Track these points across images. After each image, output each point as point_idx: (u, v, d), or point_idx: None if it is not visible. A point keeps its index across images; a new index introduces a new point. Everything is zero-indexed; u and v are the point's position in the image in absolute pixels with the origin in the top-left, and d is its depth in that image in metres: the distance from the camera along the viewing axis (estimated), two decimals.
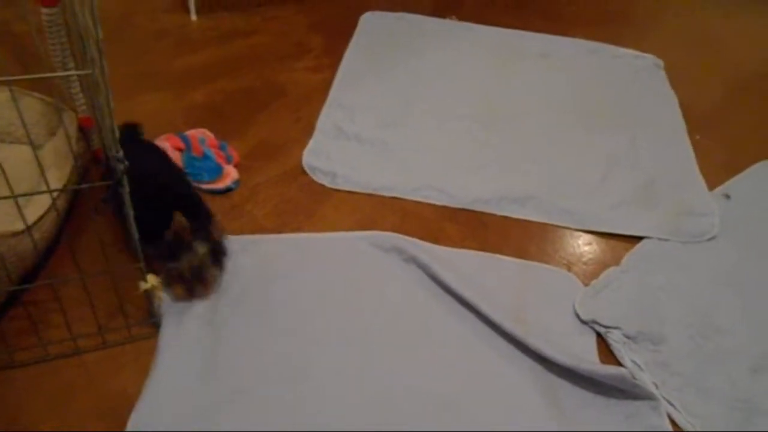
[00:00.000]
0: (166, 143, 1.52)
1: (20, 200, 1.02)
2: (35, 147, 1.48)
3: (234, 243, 1.37)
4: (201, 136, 1.59)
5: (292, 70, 1.97)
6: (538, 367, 1.23)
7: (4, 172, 0.95)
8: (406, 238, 1.44)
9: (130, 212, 1.03)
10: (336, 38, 2.12)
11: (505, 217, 1.55)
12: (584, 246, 1.51)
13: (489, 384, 1.20)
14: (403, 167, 1.63)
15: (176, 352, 1.16)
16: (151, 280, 1.14)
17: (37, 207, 1.27)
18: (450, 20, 2.26)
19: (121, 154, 0.95)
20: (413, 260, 1.39)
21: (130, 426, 1.05)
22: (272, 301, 1.28)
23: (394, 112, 1.81)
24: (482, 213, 1.55)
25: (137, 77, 1.87)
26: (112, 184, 0.96)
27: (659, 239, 1.53)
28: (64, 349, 1.16)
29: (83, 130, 1.48)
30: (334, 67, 1.98)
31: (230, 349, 1.18)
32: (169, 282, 1.21)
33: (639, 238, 1.53)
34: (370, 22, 2.21)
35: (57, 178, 1.36)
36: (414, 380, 1.18)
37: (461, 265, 1.41)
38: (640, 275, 1.45)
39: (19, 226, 1.20)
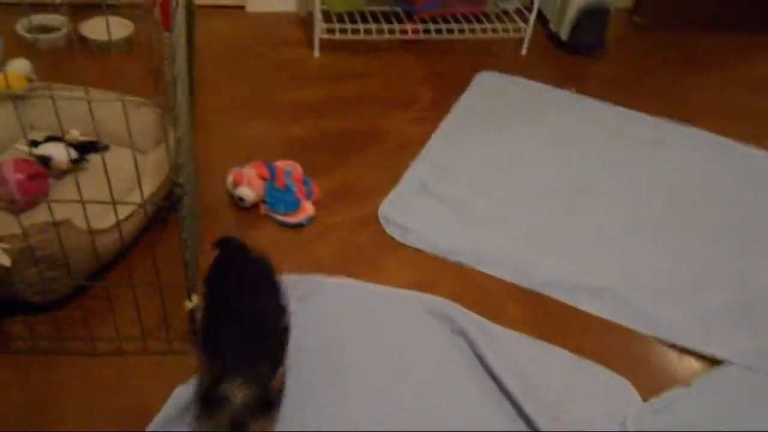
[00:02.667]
0: (253, 170, 1.58)
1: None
2: (140, 152, 1.61)
3: (289, 279, 1.40)
4: (289, 168, 1.65)
5: (396, 118, 1.99)
6: None
7: (107, 174, 1.03)
8: (461, 308, 1.40)
9: (186, 237, 1.08)
10: (447, 93, 2.13)
11: (573, 307, 1.46)
12: (652, 355, 1.38)
13: None
14: (478, 235, 1.59)
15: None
16: (195, 300, 1.18)
17: (124, 209, 1.37)
18: (568, 91, 2.20)
19: (181, 180, 1.01)
20: (462, 333, 1.35)
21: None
22: (311, 345, 1.28)
23: (484, 177, 1.78)
24: (549, 297, 1.47)
25: (249, 103, 1.97)
26: (168, 206, 1.02)
27: (745, 367, 1.37)
28: (109, 347, 1.23)
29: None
30: (437, 121, 1.99)
31: None
32: None
33: (720, 362, 1.38)
34: (484, 81, 2.20)
35: (149, 184, 1.45)
36: None
37: (512, 348, 1.34)
38: (711, 404, 1.30)
39: (104, 224, 1.30)
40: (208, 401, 0.94)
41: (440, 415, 1.20)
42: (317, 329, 1.32)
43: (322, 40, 2.22)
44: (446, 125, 1.97)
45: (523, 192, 1.75)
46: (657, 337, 1.41)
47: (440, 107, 2.05)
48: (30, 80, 1.72)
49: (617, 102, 2.16)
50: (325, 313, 1.36)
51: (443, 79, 2.21)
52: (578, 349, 1.36)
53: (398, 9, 2.37)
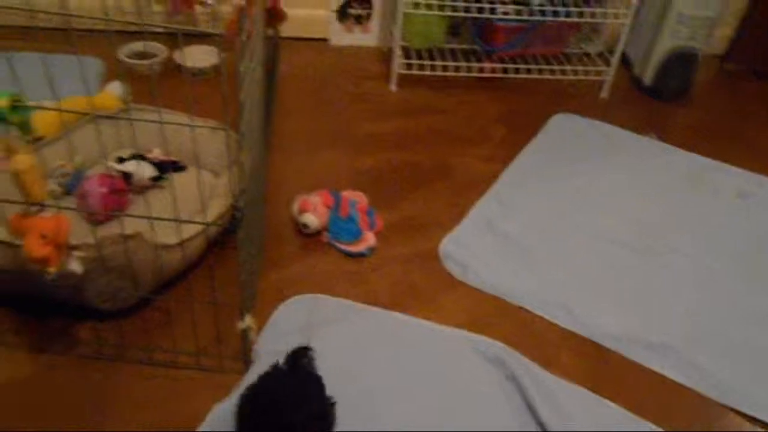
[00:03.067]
0: (318, 198, 1.62)
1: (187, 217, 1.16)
2: (216, 174, 1.68)
3: (341, 307, 1.42)
4: (354, 198, 1.68)
5: (466, 155, 1.99)
6: None
7: (173, 194, 1.09)
8: (515, 353, 1.36)
9: (242, 259, 1.12)
10: (520, 132, 2.11)
11: (632, 361, 1.39)
12: (715, 421, 1.29)
13: None
14: (540, 279, 1.55)
15: None
16: (248, 321, 1.22)
17: (191, 228, 1.43)
18: (648, 138, 2.13)
19: (241, 203, 1.05)
20: (514, 379, 1.31)
21: None
22: (357, 378, 1.28)
23: (552, 220, 1.74)
24: (607, 349, 1.41)
25: (324, 133, 2.03)
26: (228, 228, 1.06)
27: None
28: (165, 359, 1.28)
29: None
30: (508, 161, 1.97)
31: None
32: None
33: None
34: (560, 123, 2.16)
35: (218, 206, 1.51)
36: None
37: (564, 400, 1.28)
38: None
39: (171, 241, 1.37)
40: None
41: None
42: (357, 356, 1.32)
43: (400, 75, 2.26)
44: (517, 165, 1.95)
45: (591, 239, 1.69)
46: (722, 401, 1.32)
47: (512, 146, 2.04)
48: (124, 102, 1.84)
49: (701, 152, 2.07)
50: (370, 341, 1.36)
51: (518, 118, 2.19)
52: (634, 406, 1.29)
53: (477, 47, 2.38)
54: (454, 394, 1.28)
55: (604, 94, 2.34)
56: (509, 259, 1.61)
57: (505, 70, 2.32)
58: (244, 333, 1.23)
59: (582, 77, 2.33)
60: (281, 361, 1.12)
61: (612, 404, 1.30)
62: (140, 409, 1.19)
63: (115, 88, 1.88)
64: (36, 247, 1.05)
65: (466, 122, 2.15)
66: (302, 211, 1.61)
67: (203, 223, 1.38)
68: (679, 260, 1.65)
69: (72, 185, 1.53)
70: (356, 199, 1.69)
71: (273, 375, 1.10)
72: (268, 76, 2.08)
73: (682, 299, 1.54)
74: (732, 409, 1.32)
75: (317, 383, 1.11)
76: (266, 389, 1.07)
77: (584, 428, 1.24)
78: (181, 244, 1.34)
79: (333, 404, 1.11)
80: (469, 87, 2.34)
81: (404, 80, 2.29)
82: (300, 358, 1.15)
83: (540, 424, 1.23)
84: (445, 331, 1.40)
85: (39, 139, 1.62)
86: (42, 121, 1.67)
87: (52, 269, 1.08)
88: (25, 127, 1.62)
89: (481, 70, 2.30)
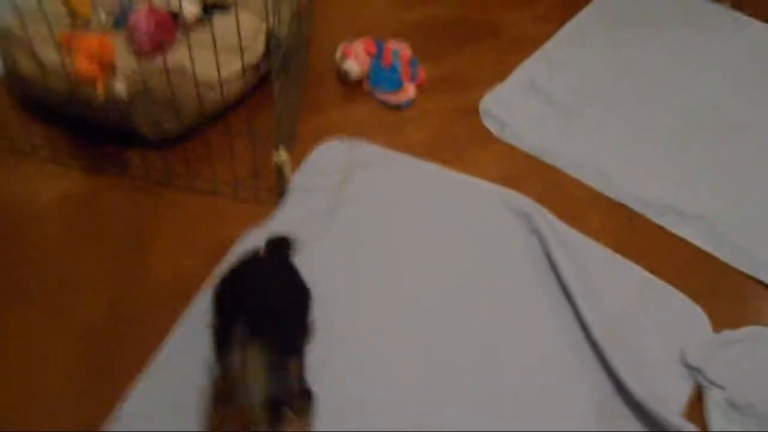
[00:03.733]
0: (361, 45, 1.61)
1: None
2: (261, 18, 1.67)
3: (377, 153, 1.45)
4: (397, 48, 1.65)
5: (519, 14, 1.91)
6: (606, 386, 1.14)
7: (239, 32, 1.09)
8: (542, 209, 1.38)
9: (277, 90, 1.14)
10: None
11: (659, 227, 1.39)
12: (735, 287, 1.31)
13: (544, 386, 1.13)
14: (578, 140, 1.54)
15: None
16: (283, 155, 1.26)
17: (232, 66, 1.45)
18: (721, 5, 1.98)
19: (281, 34, 1.06)
20: (537, 233, 1.34)
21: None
22: (384, 224, 1.33)
23: (599, 85, 1.68)
24: (637, 213, 1.41)
25: None
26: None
27: None
28: (206, 187, 1.35)
29: (297, 13, 1.63)
30: (563, 21, 1.88)
31: (324, 257, 1.26)
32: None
33: None
34: None
35: (260, 48, 1.52)
36: (470, 357, 1.16)
37: (584, 255, 1.31)
38: None
39: (212, 77, 1.40)
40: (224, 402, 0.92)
41: (493, 302, 1.23)
42: (389, 202, 1.37)
43: None
44: (572, 26, 1.87)
45: (639, 105, 1.64)
46: (750, 274, 1.33)
47: (569, 7, 1.94)
48: None
49: None
50: (403, 188, 1.40)
51: None
52: (654, 267, 1.31)
53: None
54: (477, 244, 1.32)
55: None
56: (549, 119, 1.59)
57: None
58: (279, 166, 1.28)
59: None
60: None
61: (632, 264, 1.32)
62: (182, 230, 1.29)
63: None
64: (84, 65, 1.10)
65: None
66: (344, 57, 1.61)
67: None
68: (732, 137, 1.59)
69: (120, 18, 1.55)
70: (399, 49, 1.66)
71: (252, 261, 1.10)
72: None
73: (726, 175, 1.50)
74: (751, 277, 1.32)
75: (295, 273, 1.12)
76: (243, 274, 1.07)
77: (604, 286, 1.27)
78: (220, 81, 1.37)
79: (309, 293, 1.11)
80: None
81: None
82: (281, 248, 1.17)
83: (557, 274, 1.27)
84: (475, 184, 1.43)
85: None
86: None
87: (99, 89, 1.14)
88: None
89: None
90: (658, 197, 1.43)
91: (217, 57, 1.19)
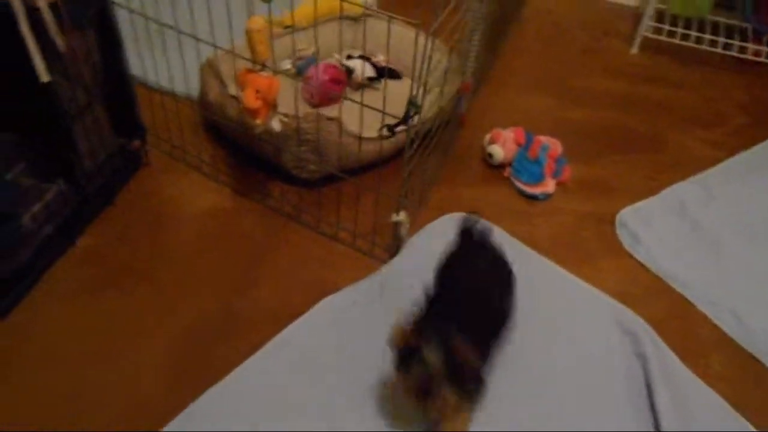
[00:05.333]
0: (511, 134, 1.64)
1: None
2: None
3: (503, 239, 1.45)
4: (547, 143, 1.66)
5: (689, 134, 1.84)
6: None
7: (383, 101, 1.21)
8: (654, 335, 1.29)
9: (407, 155, 1.21)
10: (763, 126, 1.87)
11: None
12: None
13: None
14: (716, 276, 1.42)
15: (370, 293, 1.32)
16: (402, 216, 1.32)
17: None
18: None
19: (417, 100, 1.13)
20: (642, 357, 1.25)
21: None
22: None
23: (755, 225, 1.54)
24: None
25: (545, 78, 2.01)
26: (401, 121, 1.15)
27: None
28: (328, 230, 1.44)
29: (458, 91, 1.71)
30: (735, 150, 1.78)
31: None
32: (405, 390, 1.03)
33: None
34: None
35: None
36: None
37: (690, 398, 1.20)
38: None
39: (365, 134, 1.51)
40: (402, 357, 0.99)
41: (576, 417, 1.15)
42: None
43: (646, 39, 2.12)
44: (745, 157, 1.75)
45: None
46: None
47: (747, 138, 1.82)
48: (366, 7, 2.00)
49: None
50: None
51: (766, 109, 1.94)
52: None
53: (746, 25, 2.12)
54: (575, 354, 1.26)
55: None
56: (690, 246, 1.49)
57: None
58: (396, 225, 1.33)
59: None
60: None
61: (743, 421, 1.18)
62: (297, 264, 1.38)
63: None
64: (251, 99, 1.26)
65: (703, 102, 1.96)
66: (492, 141, 1.65)
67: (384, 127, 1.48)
68: None
69: (303, 68, 1.74)
70: (550, 144, 1.67)
71: (465, 245, 1.19)
72: (508, 16, 2.09)
73: None
74: None
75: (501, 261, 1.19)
76: (460, 257, 1.18)
77: (701, 427, 1.15)
78: (359, 138, 1.47)
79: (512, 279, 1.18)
80: (719, 66, 2.11)
81: (649, 45, 2.14)
82: (472, 227, 1.21)
83: (654, 410, 1.16)
84: (590, 291, 1.37)
85: (291, 26, 1.86)
86: (300, 13, 1.90)
87: (258, 121, 1.28)
88: None
89: (742, 50, 2.06)
90: None
91: (361, 118, 1.28)
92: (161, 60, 1.53)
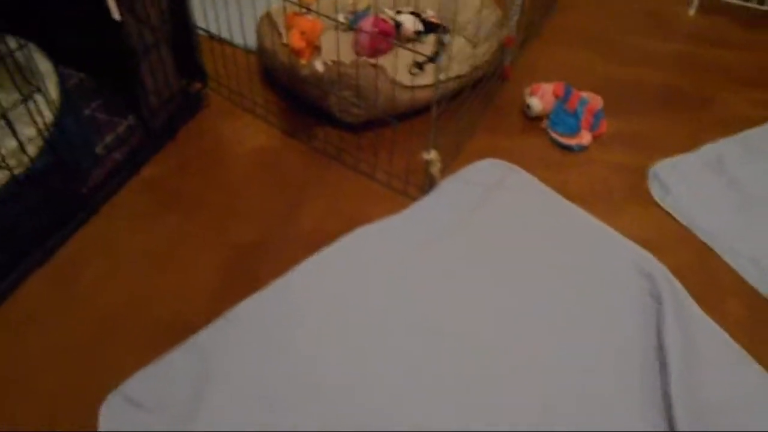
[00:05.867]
0: (550, 87, 1.68)
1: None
2: (473, 44, 1.84)
3: (527, 182, 1.51)
4: (586, 98, 1.70)
5: (738, 93, 1.82)
6: None
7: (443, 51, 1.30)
8: (673, 279, 1.32)
9: (437, 96, 1.28)
10: None
11: None
12: None
13: None
14: (744, 228, 1.43)
15: (399, 229, 1.41)
16: (433, 155, 1.40)
17: (426, 78, 1.63)
18: None
19: (445, 39, 1.20)
20: (657, 298, 1.29)
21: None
22: (505, 247, 1.38)
23: None
24: None
25: (596, 36, 2.03)
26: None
27: None
28: (366, 169, 1.54)
29: (502, 44, 1.76)
30: None
31: (438, 261, 1.36)
32: None
33: None
34: None
35: (456, 69, 1.68)
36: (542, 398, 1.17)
37: (702, 338, 1.23)
38: None
39: (406, 81, 1.59)
40: None
41: (586, 355, 1.21)
42: (518, 232, 1.42)
43: (705, 1, 2.09)
44: None
45: None
46: None
47: None
48: None
49: None
50: (538, 224, 1.44)
51: None
52: None
53: None
54: (590, 293, 1.31)
55: None
56: (722, 200, 1.50)
57: None
58: (427, 164, 1.42)
59: None
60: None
61: (757, 366, 1.20)
62: (337, 198, 1.49)
63: None
64: (296, 39, 1.36)
65: (757, 63, 1.93)
66: (532, 94, 1.70)
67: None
68: None
69: (354, 21, 1.84)
70: (589, 99, 1.70)
71: None
72: None
73: None
74: None
75: None
76: None
77: (712, 371, 1.19)
78: (411, 87, 1.56)
79: None
80: None
81: (709, 7, 2.11)
82: None
83: (662, 349, 1.21)
84: (612, 235, 1.41)
85: None
86: None
87: (303, 61, 1.39)
88: None
89: None
90: None
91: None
92: (222, 12, 1.66)
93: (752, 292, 1.32)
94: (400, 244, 1.37)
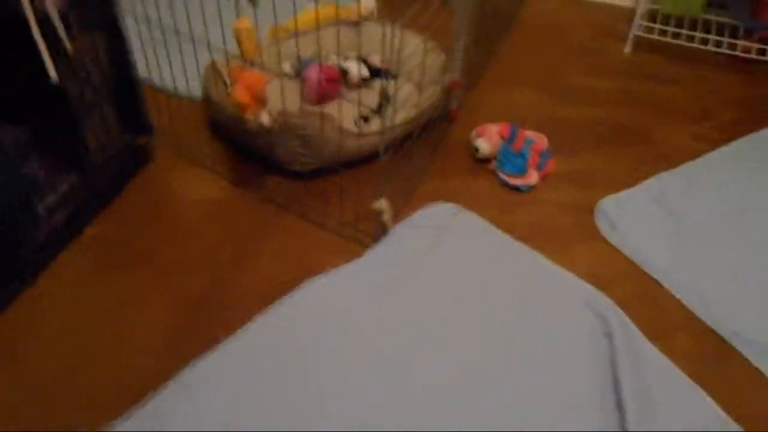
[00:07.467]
0: (496, 128, 1.71)
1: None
2: (420, 89, 1.87)
3: (476, 224, 1.53)
4: (532, 138, 1.73)
5: (677, 128, 1.88)
6: None
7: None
8: (623, 316, 1.34)
9: (383, 150, 1.29)
10: (752, 121, 1.91)
11: (756, 369, 1.27)
12: None
13: None
14: (686, 259, 1.47)
15: (354, 276, 1.40)
16: (382, 204, 1.40)
17: (375, 125, 1.65)
18: None
19: (389, 92, 1.22)
20: (610, 337, 1.30)
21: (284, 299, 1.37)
22: (456, 291, 1.39)
23: (732, 215, 1.58)
24: (733, 349, 1.30)
25: (539, 76, 2.08)
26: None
27: None
28: (317, 218, 1.54)
29: (449, 89, 1.79)
30: (721, 144, 1.82)
31: (391, 309, 1.35)
32: None
33: None
34: None
35: (403, 114, 1.70)
36: None
37: (654, 375, 1.25)
38: None
39: (354, 129, 1.60)
40: None
41: (541, 397, 1.21)
42: (467, 274, 1.43)
43: (639, 39, 2.17)
44: (728, 150, 1.79)
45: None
46: None
47: (734, 132, 1.86)
48: (371, 14, 2.10)
49: None
50: (487, 265, 1.45)
51: (755, 106, 1.97)
52: (736, 415, 1.20)
53: (738, 22, 2.15)
54: (543, 334, 1.32)
55: None
56: (665, 232, 1.54)
57: (762, 52, 2.08)
58: (378, 213, 1.42)
59: None
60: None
61: (709, 400, 1.22)
62: (288, 248, 1.47)
63: (369, 2, 2.15)
64: (240, 94, 1.36)
65: (693, 98, 2.01)
66: (478, 135, 1.72)
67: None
68: None
69: (301, 69, 1.85)
70: (535, 139, 1.74)
71: None
72: (505, 16, 2.17)
73: None
74: None
75: None
76: None
77: (666, 407, 1.20)
78: (359, 134, 1.57)
79: None
80: (711, 64, 2.15)
81: (642, 44, 2.20)
82: None
83: (617, 387, 1.22)
84: (561, 274, 1.43)
85: (295, 30, 1.97)
86: (302, 18, 2.01)
87: (247, 115, 1.39)
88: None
89: (733, 47, 2.09)
90: (758, 336, 1.31)
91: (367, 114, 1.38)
92: (166, 63, 1.65)
93: (700, 325, 1.35)
94: (356, 293, 1.36)
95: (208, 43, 1.40)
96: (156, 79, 1.78)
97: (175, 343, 1.26)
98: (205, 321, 1.31)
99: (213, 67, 1.73)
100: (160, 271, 1.41)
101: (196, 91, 1.84)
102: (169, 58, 1.66)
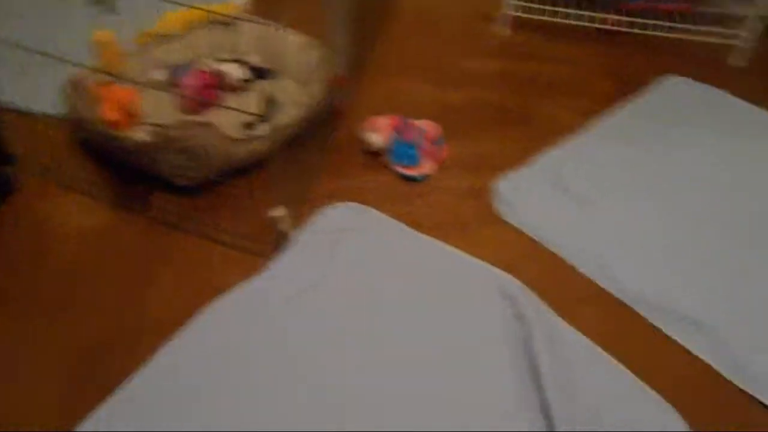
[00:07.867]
0: (386, 120, 1.69)
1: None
2: (302, 85, 1.81)
3: (376, 220, 1.50)
4: (423, 127, 1.72)
5: (559, 104, 1.94)
6: None
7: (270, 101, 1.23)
8: (532, 295, 1.36)
9: (273, 155, 1.23)
10: (626, 91, 2.00)
11: (657, 329, 1.33)
12: (726, 401, 1.21)
13: None
14: (586, 232, 1.51)
15: (260, 288, 1.34)
16: (280, 211, 1.34)
17: (262, 128, 1.57)
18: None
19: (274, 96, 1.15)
20: (521, 318, 1.32)
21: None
22: (363, 288, 1.36)
23: (624, 182, 1.65)
24: (636, 313, 1.36)
25: (421, 63, 2.08)
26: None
27: None
28: (211, 233, 1.45)
29: (334, 84, 1.75)
30: (600, 116, 1.89)
31: (302, 315, 1.30)
32: None
33: None
34: (671, 86, 2.01)
35: (288, 114, 1.63)
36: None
37: (568, 348, 1.28)
38: None
39: (239, 135, 1.52)
40: None
41: (458, 381, 1.21)
42: (372, 270, 1.40)
43: (517, 19, 2.22)
44: (608, 121, 1.86)
45: (661, 208, 1.59)
46: (748, 391, 1.23)
47: (612, 103, 1.94)
48: (244, 11, 2.01)
49: None
50: (392, 258, 1.43)
51: (628, 76, 2.07)
52: (644, 371, 1.24)
53: None
54: (455, 320, 1.31)
55: (738, 61, 2.13)
56: (561, 208, 1.58)
57: (631, 24, 2.18)
58: (275, 221, 1.36)
59: (715, 40, 2.12)
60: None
61: (622, 368, 1.26)
62: (185, 270, 1.38)
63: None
64: (110, 112, 1.25)
65: (571, 73, 2.08)
66: (368, 129, 1.69)
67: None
68: (761, 244, 1.51)
69: (175, 77, 1.73)
70: (426, 128, 1.73)
71: None
72: (382, 7, 2.15)
73: (748, 288, 1.42)
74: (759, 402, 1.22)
75: None
76: None
77: (584, 379, 1.23)
78: (246, 140, 1.49)
79: None
80: (585, 39, 2.24)
81: (519, 25, 2.24)
82: None
83: (533, 367, 1.23)
84: (467, 260, 1.43)
85: (164, 35, 1.84)
86: (170, 20, 1.89)
87: (122, 133, 1.27)
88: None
89: (603, 21, 2.18)
90: (659, 299, 1.37)
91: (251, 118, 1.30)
92: (24, 81, 1.50)
93: (605, 295, 1.39)
94: (265, 306, 1.30)
95: (70, 60, 1.27)
96: (17, 99, 1.61)
97: (72, 396, 1.14)
98: (104, 365, 1.19)
99: (73, 83, 1.58)
100: (46, 316, 1.27)
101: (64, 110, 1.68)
102: (31, 78, 1.50)
